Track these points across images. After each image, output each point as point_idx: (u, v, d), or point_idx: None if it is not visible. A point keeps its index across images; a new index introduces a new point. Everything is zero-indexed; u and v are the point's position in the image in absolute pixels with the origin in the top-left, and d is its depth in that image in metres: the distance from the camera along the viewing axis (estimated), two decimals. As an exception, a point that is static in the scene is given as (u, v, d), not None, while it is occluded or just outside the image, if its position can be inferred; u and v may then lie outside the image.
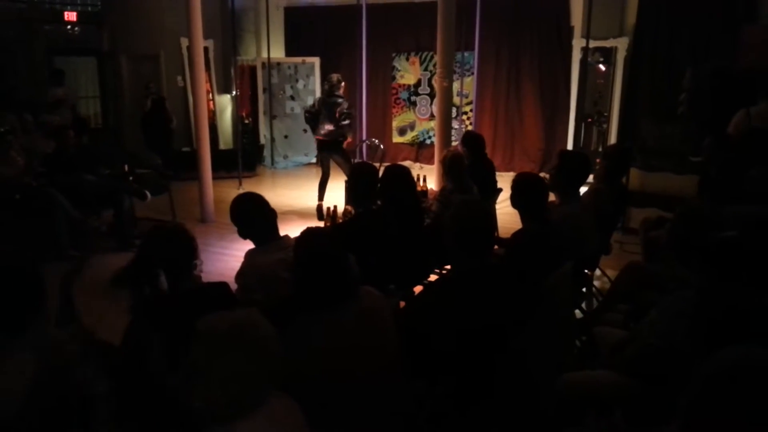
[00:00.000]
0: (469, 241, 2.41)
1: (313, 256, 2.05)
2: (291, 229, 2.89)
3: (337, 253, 2.05)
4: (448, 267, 3.78)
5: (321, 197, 7.24)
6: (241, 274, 2.72)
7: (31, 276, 1.92)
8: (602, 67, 9.13)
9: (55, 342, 1.96)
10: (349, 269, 2.06)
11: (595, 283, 4.56)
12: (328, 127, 6.95)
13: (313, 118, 7.09)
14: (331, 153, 7.11)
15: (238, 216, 2.85)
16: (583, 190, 3.85)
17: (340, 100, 7.02)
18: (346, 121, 7.00)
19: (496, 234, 5.14)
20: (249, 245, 2.91)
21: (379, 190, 3.58)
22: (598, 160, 5.31)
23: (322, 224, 5.38)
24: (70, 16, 10.84)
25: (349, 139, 7.27)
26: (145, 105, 9.99)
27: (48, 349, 1.89)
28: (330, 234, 2.25)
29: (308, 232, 2.18)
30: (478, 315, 2.28)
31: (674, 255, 2.86)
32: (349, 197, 3.59)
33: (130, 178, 6.65)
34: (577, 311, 3.91)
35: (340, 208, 4.99)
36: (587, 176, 3.75)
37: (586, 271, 4.04)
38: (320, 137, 7.09)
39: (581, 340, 3.47)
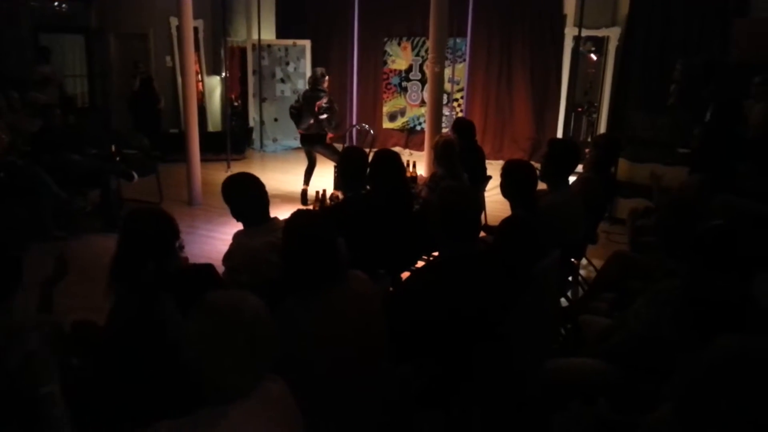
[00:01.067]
0: (456, 226, 2.41)
1: (303, 237, 2.04)
2: (276, 213, 2.87)
3: (327, 235, 2.04)
4: (437, 253, 3.78)
5: (306, 182, 7.27)
6: (228, 257, 2.70)
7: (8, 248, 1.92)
8: (594, 57, 9.13)
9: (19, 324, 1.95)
10: (339, 252, 2.05)
11: (581, 272, 4.58)
12: (309, 121, 7.01)
13: (297, 113, 7.18)
14: (313, 146, 7.19)
15: (232, 194, 2.83)
16: (572, 179, 3.86)
17: (321, 94, 7.07)
18: (324, 116, 7.05)
19: (484, 221, 5.17)
20: (237, 227, 2.90)
21: (368, 174, 3.57)
22: (587, 150, 5.32)
23: (312, 208, 5.37)
24: (58, -8, 10.66)
25: (330, 135, 7.28)
26: (134, 85, 9.89)
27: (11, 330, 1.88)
28: (321, 216, 2.23)
29: (299, 214, 2.16)
30: (465, 301, 2.29)
31: (661, 245, 2.88)
32: (339, 182, 3.57)
33: (117, 158, 6.58)
34: (562, 299, 3.94)
35: (328, 193, 4.98)
36: (576, 165, 3.76)
37: (572, 259, 4.06)
38: (302, 131, 7.18)
39: (566, 327, 3.49)
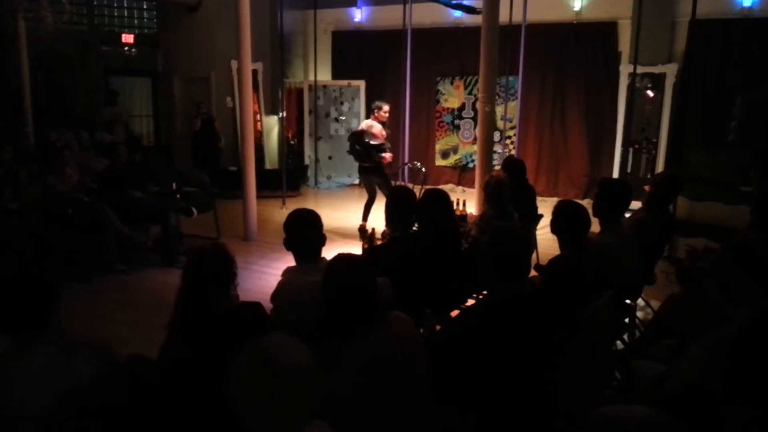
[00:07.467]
0: (505, 267, 2.39)
1: (340, 284, 2.06)
2: (331, 249, 2.89)
3: (364, 281, 2.05)
4: (486, 292, 3.74)
5: (365, 218, 7.30)
6: (275, 296, 2.74)
7: (43, 276, 1.97)
8: (650, 93, 8.97)
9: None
10: (376, 297, 2.05)
11: (638, 313, 4.44)
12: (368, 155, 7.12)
13: (360, 148, 7.24)
14: (370, 176, 7.24)
15: (293, 226, 2.86)
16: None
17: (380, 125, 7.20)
18: (381, 145, 7.16)
19: (535, 260, 5.10)
20: (290, 263, 2.93)
21: (416, 213, 3.59)
22: (646, 187, 5.20)
23: (361, 245, 5.41)
24: (128, 38, 11.30)
25: (387, 159, 7.23)
26: (195, 125, 10.28)
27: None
28: (360, 260, 2.24)
29: (338, 259, 2.18)
30: (513, 342, 2.25)
31: (718, 288, 2.77)
32: (387, 220, 3.59)
33: (178, 195, 6.81)
34: (618, 342, 3.81)
35: (379, 231, 5.00)
36: (628, 204, 3.69)
37: (628, 301, 3.95)
38: (367, 164, 7.23)
39: (620, 372, 3.38)
